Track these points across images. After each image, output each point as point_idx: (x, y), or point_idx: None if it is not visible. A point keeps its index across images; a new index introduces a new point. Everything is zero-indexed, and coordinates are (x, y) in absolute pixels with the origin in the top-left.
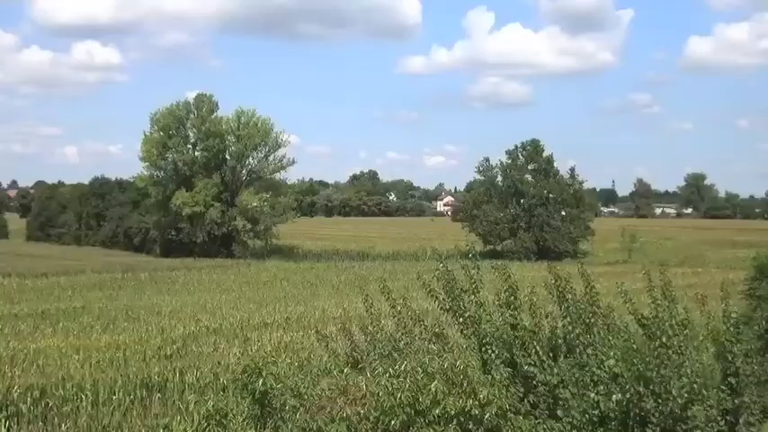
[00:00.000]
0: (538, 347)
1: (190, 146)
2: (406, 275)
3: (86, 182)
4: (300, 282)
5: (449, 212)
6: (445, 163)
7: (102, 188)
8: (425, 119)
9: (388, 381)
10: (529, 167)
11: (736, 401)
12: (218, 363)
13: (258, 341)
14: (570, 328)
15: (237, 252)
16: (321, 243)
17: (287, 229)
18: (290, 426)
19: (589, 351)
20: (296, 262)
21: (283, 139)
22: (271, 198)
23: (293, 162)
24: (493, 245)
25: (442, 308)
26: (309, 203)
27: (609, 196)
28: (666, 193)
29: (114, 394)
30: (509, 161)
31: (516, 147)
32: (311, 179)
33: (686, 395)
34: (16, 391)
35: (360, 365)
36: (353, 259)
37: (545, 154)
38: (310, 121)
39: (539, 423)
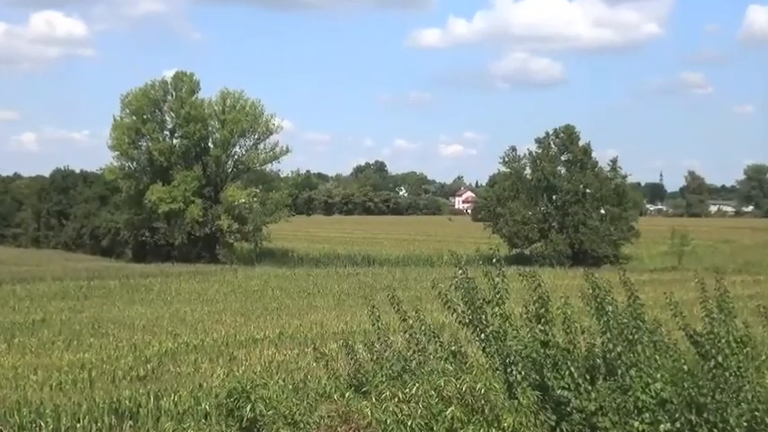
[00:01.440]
0: (572, 368)
1: (167, 132)
2: (419, 284)
3: (47, 174)
4: (295, 291)
5: (468, 210)
6: (464, 153)
7: (64, 181)
8: (441, 101)
9: (396, 406)
10: (562, 158)
11: None
12: (200, 385)
13: (246, 360)
14: (610, 345)
15: (222, 256)
16: (319, 246)
17: (280, 230)
18: None
19: (632, 373)
20: (290, 268)
21: (275, 125)
22: (261, 193)
23: (287, 151)
24: (520, 248)
25: (460, 322)
26: (306, 200)
27: (656, 192)
28: (723, 188)
29: (79, 421)
30: (539, 151)
31: (547, 134)
32: (308, 171)
33: (746, 424)
34: None
35: (364, 388)
36: (357, 265)
37: (581, 142)
38: (307, 105)
39: None
